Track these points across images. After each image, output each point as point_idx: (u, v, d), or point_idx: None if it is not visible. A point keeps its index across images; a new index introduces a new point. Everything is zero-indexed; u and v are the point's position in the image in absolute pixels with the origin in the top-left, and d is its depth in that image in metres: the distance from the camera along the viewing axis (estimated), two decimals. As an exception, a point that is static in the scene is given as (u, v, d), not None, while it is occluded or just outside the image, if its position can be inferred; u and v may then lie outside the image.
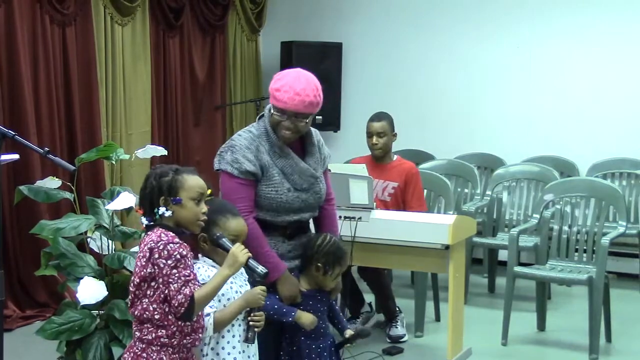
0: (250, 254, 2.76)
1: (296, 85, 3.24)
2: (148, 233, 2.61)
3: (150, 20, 6.49)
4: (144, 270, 2.55)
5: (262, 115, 3.41)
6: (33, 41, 5.45)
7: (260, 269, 2.83)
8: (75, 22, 5.78)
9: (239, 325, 2.94)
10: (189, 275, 2.54)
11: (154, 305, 2.55)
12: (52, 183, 3.88)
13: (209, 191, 2.92)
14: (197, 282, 2.58)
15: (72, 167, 3.16)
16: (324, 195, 3.50)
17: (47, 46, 5.53)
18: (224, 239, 2.83)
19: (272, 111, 3.30)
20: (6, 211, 5.14)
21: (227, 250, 2.76)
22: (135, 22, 6.33)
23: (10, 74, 5.31)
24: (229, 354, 2.91)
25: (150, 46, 6.49)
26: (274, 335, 3.36)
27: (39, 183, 3.91)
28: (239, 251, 2.71)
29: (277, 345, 3.40)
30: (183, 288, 2.52)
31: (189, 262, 2.58)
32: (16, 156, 3.74)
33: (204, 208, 2.69)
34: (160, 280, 2.52)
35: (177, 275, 2.52)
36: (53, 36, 5.59)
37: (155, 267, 2.53)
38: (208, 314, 2.78)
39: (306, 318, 3.32)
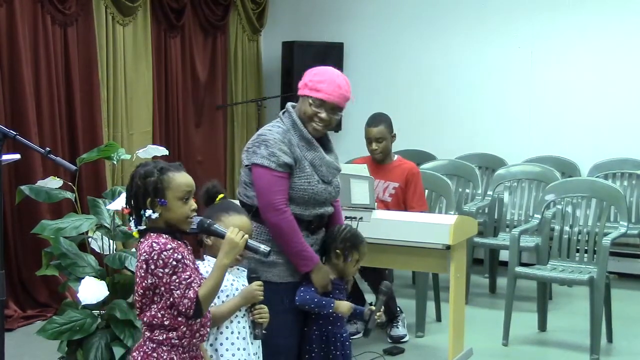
0: (247, 236, 2.67)
1: (338, 80, 3.44)
2: (141, 240, 2.57)
3: (152, 20, 6.49)
4: (145, 282, 2.52)
5: (285, 111, 3.49)
6: (34, 41, 5.45)
7: (263, 247, 2.76)
8: (76, 22, 5.78)
9: (238, 322, 2.94)
10: (189, 277, 2.50)
11: (162, 312, 2.53)
12: (53, 183, 3.89)
13: (221, 195, 2.96)
14: (198, 280, 2.54)
15: (73, 167, 3.16)
16: (340, 189, 3.63)
17: (49, 46, 5.54)
18: (215, 226, 2.73)
19: (310, 102, 3.40)
20: (7, 211, 5.15)
21: (222, 237, 2.66)
22: (137, 22, 6.33)
23: (12, 74, 5.31)
24: (227, 350, 2.91)
25: (151, 46, 6.49)
26: (298, 322, 3.45)
27: (40, 183, 3.91)
28: (234, 235, 2.61)
29: (302, 332, 3.48)
30: (186, 291, 2.48)
31: (187, 262, 2.53)
32: (17, 156, 3.74)
33: (192, 205, 2.60)
34: (163, 288, 2.50)
35: (177, 281, 2.48)
36: (54, 36, 5.59)
37: (155, 278, 2.49)
38: None
39: (344, 306, 3.42)
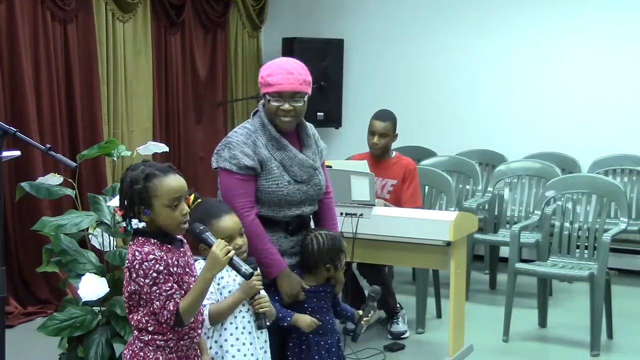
0: (233, 252, 2.62)
1: (287, 66, 3.31)
2: (130, 243, 2.56)
3: (152, 16, 6.49)
4: (129, 287, 2.51)
5: (257, 111, 3.42)
6: (34, 38, 5.44)
7: (245, 268, 2.68)
8: (76, 19, 5.78)
9: (243, 317, 2.94)
10: (170, 289, 2.47)
11: (147, 318, 2.52)
12: (53, 180, 3.88)
13: (192, 197, 2.85)
14: (185, 288, 2.53)
15: (73, 164, 3.17)
16: (324, 187, 3.50)
17: (49, 43, 5.53)
18: (207, 234, 2.70)
19: (268, 99, 3.30)
20: (8, 208, 5.15)
21: (209, 246, 2.62)
22: (137, 19, 6.33)
23: (12, 71, 5.30)
24: (232, 345, 2.91)
25: (151, 43, 6.48)
26: (278, 331, 3.35)
27: (41, 180, 3.91)
28: (219, 250, 2.54)
29: (282, 340, 3.39)
30: (167, 303, 2.46)
31: (173, 270, 2.50)
32: (18, 153, 3.74)
33: (184, 209, 2.53)
34: (144, 297, 2.49)
35: (157, 292, 2.46)
36: (54, 33, 5.59)
37: (137, 285, 2.48)
38: (204, 305, 2.76)
39: (303, 321, 3.29)
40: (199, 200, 2.87)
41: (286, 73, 3.27)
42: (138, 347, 2.56)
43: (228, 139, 3.34)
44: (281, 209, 3.34)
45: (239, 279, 2.95)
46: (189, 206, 2.68)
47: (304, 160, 3.36)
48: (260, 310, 2.93)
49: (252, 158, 3.27)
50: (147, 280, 2.46)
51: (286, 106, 3.28)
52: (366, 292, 5.08)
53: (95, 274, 3.61)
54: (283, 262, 3.32)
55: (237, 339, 2.92)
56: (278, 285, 3.31)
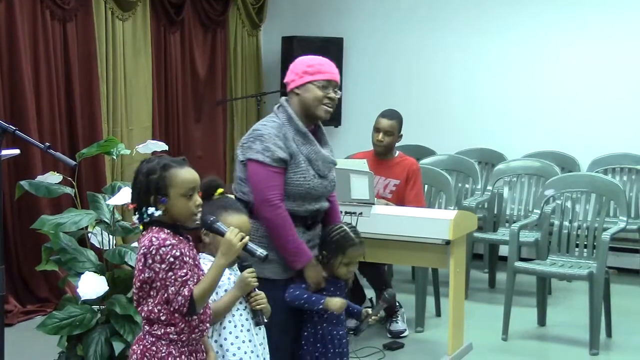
0: (247, 237, 2.69)
1: (327, 61, 3.47)
2: (143, 233, 2.59)
3: (151, 15, 6.49)
4: (142, 275, 2.54)
5: (280, 106, 3.46)
6: (34, 37, 5.44)
7: (260, 251, 2.76)
8: (75, 18, 5.78)
9: (240, 314, 2.95)
10: (185, 275, 2.51)
11: (159, 307, 2.54)
12: (53, 178, 3.88)
13: (220, 190, 2.95)
14: (197, 277, 2.56)
15: (72, 162, 3.17)
16: (336, 184, 3.59)
17: (48, 42, 5.53)
18: (218, 223, 2.75)
19: (317, 85, 3.37)
20: (7, 206, 5.15)
21: (222, 235, 2.68)
22: (136, 17, 6.33)
23: (11, 70, 5.30)
24: (232, 344, 2.91)
25: (151, 41, 6.49)
26: (294, 320, 3.41)
27: (40, 178, 3.91)
28: (233, 236, 2.63)
29: (297, 330, 3.45)
30: (181, 289, 2.50)
31: (186, 259, 2.54)
32: (17, 151, 3.74)
33: (197, 201, 2.61)
34: (159, 284, 2.52)
35: (173, 277, 2.50)
36: (54, 32, 5.59)
37: (152, 272, 2.51)
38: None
39: (334, 303, 3.36)
40: (223, 194, 2.96)
41: (331, 65, 3.46)
42: (149, 341, 2.58)
43: (258, 132, 3.36)
44: (304, 203, 3.39)
45: (234, 277, 2.96)
46: (210, 196, 2.79)
47: (326, 156, 3.46)
48: (257, 307, 2.94)
49: (284, 150, 3.32)
50: (163, 266, 2.50)
51: (333, 94, 3.41)
52: (366, 291, 5.12)
53: (95, 272, 3.61)
54: (309, 253, 3.39)
55: (237, 337, 2.92)
56: (305, 274, 3.38)
